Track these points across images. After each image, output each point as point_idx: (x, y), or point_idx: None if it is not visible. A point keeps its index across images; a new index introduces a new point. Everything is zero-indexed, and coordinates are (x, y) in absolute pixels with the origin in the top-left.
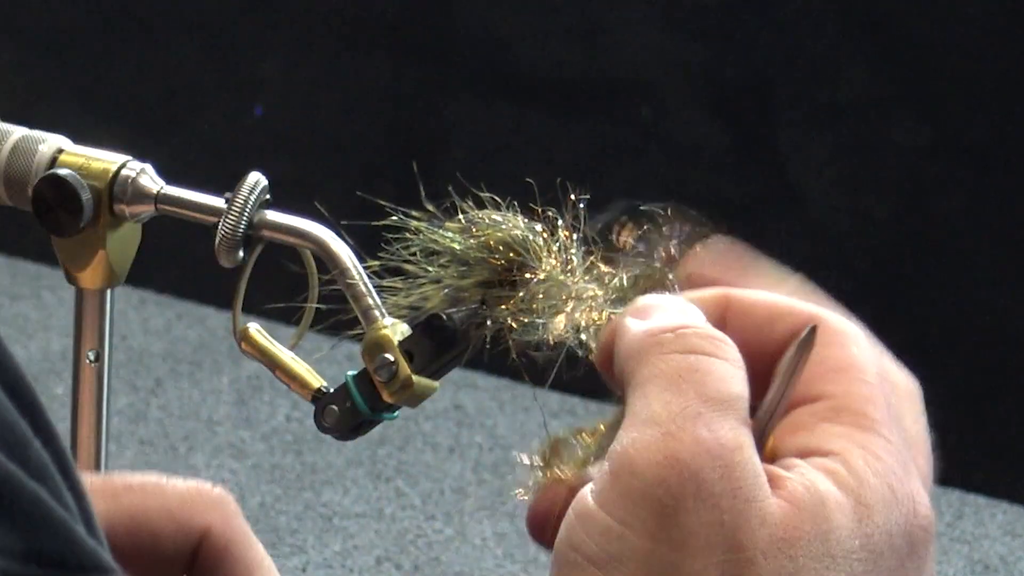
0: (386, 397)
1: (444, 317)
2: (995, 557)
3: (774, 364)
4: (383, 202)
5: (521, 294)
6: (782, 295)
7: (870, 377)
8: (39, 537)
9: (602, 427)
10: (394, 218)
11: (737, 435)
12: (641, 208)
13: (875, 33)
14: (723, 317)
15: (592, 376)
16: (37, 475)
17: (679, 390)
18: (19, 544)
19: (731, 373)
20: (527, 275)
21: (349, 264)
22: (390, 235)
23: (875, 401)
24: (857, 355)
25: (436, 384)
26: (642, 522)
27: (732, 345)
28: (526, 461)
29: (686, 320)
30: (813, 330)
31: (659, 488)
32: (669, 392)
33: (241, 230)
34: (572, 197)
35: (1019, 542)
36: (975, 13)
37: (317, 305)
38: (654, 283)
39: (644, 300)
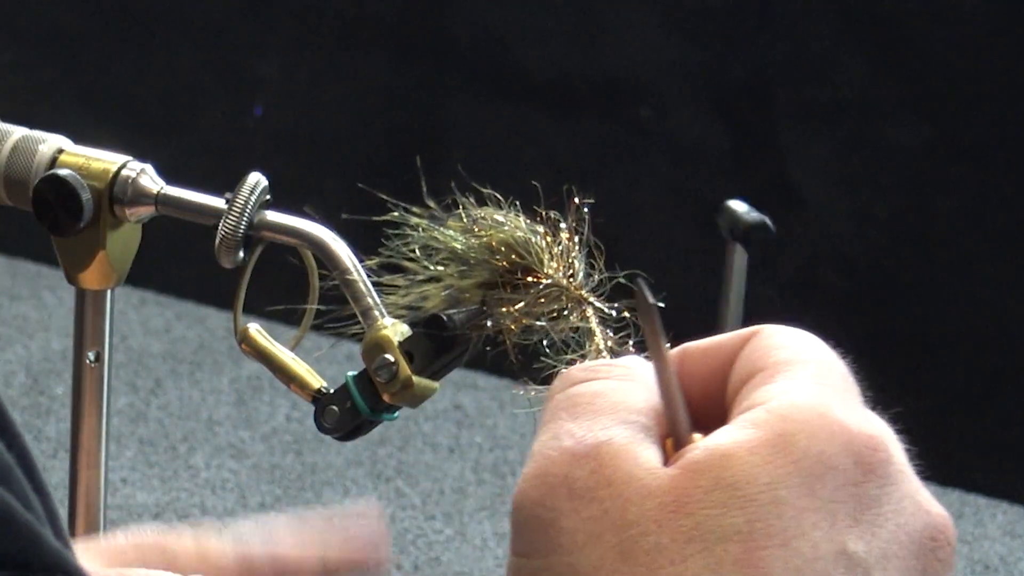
0: (386, 398)
1: (444, 318)
2: (995, 557)
3: (722, 398)
4: (384, 196)
5: (523, 298)
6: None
7: (782, 339)
8: (3, 540)
9: None
10: (395, 214)
11: (607, 432)
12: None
13: (875, 33)
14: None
15: None
16: (1, 478)
17: (553, 422)
18: None
19: (610, 387)
20: (529, 278)
21: (349, 264)
22: (391, 231)
23: (787, 347)
24: (770, 338)
25: (436, 384)
26: (533, 545)
27: (624, 365)
28: None
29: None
30: (637, 284)
31: (537, 507)
32: (545, 429)
33: (241, 230)
34: (576, 201)
35: (1019, 542)
36: (975, 13)
37: (317, 306)
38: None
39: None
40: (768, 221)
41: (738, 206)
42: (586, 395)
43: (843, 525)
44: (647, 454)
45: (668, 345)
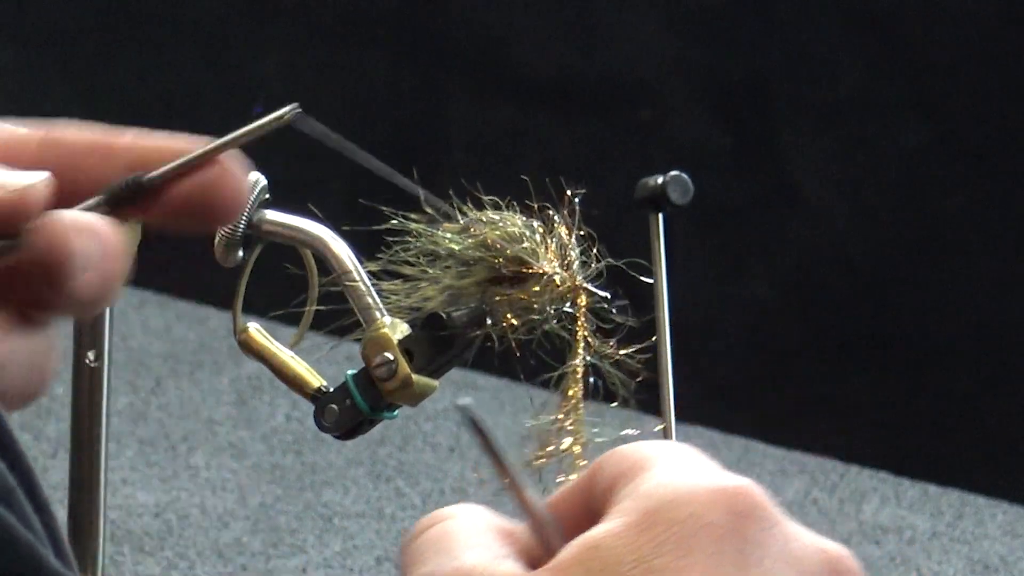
0: (386, 396)
1: (444, 316)
2: (995, 557)
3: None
4: (383, 208)
5: (521, 292)
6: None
7: (630, 450)
8: (5, 560)
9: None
10: (394, 222)
11: (459, 560)
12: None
13: (875, 33)
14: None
15: (591, 376)
16: (3, 499)
17: (409, 570)
18: None
19: (455, 524)
20: (526, 271)
21: (349, 263)
22: (390, 237)
23: (638, 452)
24: (618, 453)
25: (436, 383)
26: None
27: (466, 505)
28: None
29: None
30: (465, 411)
31: None
32: None
33: (241, 230)
34: (568, 193)
35: (1019, 542)
36: (975, 13)
37: (318, 307)
38: None
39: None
40: (677, 181)
41: (651, 180)
42: (433, 537)
43: (730, 573)
44: (506, 566)
45: (515, 463)
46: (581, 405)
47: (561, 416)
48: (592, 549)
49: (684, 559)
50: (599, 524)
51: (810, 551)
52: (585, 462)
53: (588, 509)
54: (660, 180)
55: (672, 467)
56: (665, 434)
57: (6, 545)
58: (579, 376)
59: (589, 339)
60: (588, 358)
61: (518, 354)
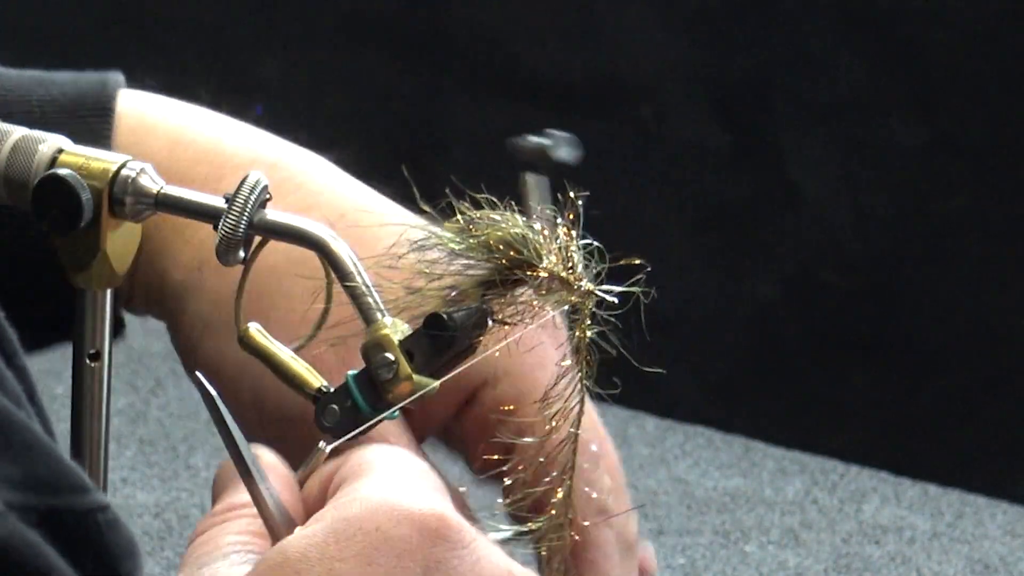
0: (387, 396)
1: (445, 317)
2: (995, 557)
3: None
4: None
5: (523, 293)
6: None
7: (365, 453)
8: (32, 464)
9: None
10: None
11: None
12: None
13: (875, 33)
14: None
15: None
16: (15, 403)
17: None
18: (16, 473)
19: (210, 534)
20: (528, 272)
21: (349, 263)
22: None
23: (366, 458)
24: (355, 454)
25: (436, 383)
26: None
27: (227, 503)
28: None
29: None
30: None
31: None
32: None
33: (241, 230)
34: (571, 195)
35: (1019, 542)
36: (975, 13)
37: (324, 306)
38: None
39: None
40: (553, 145)
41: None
42: (193, 546)
43: None
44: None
45: (241, 435)
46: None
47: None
48: (280, 552)
49: (366, 568)
50: (301, 528)
51: (498, 571)
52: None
53: (326, 499)
54: (541, 140)
55: (384, 480)
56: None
57: (30, 449)
58: (582, 375)
59: (588, 342)
60: (589, 359)
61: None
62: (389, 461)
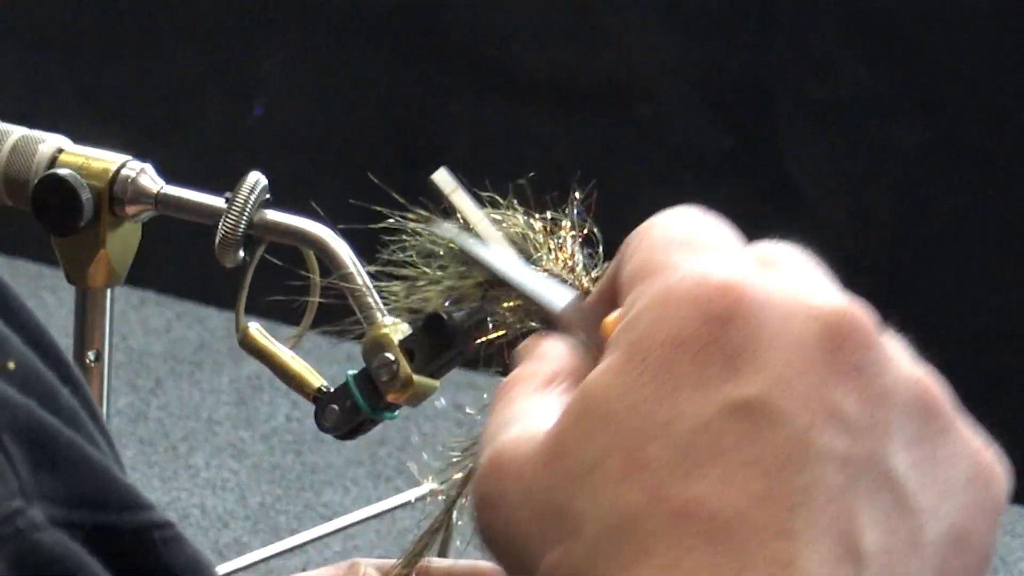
0: (387, 396)
1: (444, 316)
2: (995, 557)
3: None
4: (379, 208)
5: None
6: None
7: (634, 249)
8: (80, 481)
9: None
10: (391, 221)
11: (490, 447)
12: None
13: (875, 33)
14: None
15: None
16: (69, 422)
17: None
18: (63, 490)
19: (516, 389)
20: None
21: (349, 263)
22: (389, 237)
23: (638, 253)
24: (625, 251)
25: (436, 383)
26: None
27: (535, 349)
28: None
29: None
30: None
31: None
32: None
33: (241, 230)
34: (577, 195)
35: (1019, 542)
36: (975, 13)
37: (320, 300)
38: None
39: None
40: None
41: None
42: (496, 398)
43: (718, 383)
44: (530, 424)
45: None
46: None
47: None
48: (582, 392)
49: (666, 385)
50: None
51: (809, 320)
52: None
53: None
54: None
55: (670, 274)
56: None
57: (79, 466)
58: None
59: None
60: None
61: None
62: (677, 243)
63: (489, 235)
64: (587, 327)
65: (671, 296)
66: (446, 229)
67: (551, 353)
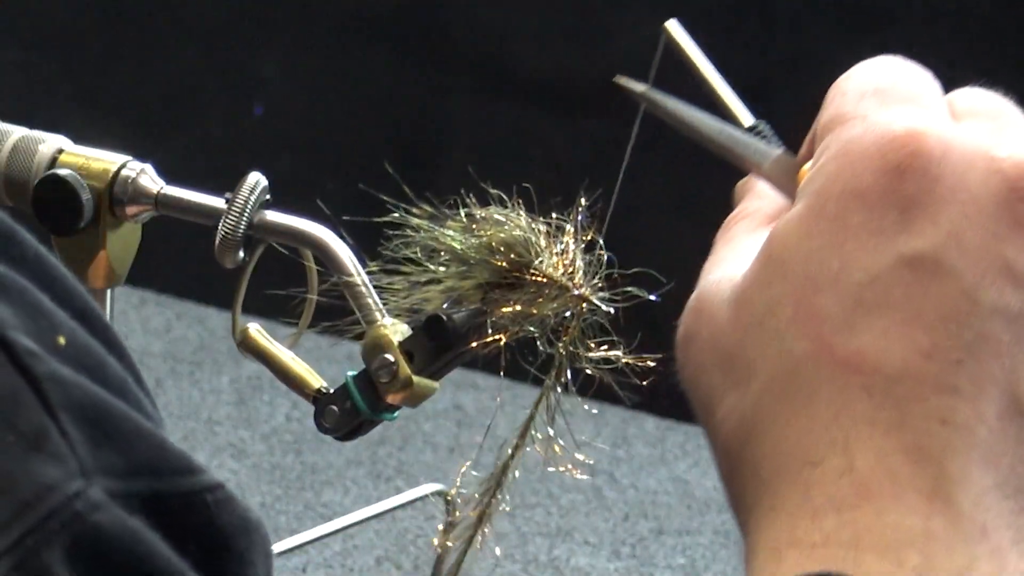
0: (386, 397)
1: (444, 318)
2: None
3: None
4: (385, 197)
5: (523, 297)
6: None
7: (831, 94)
8: (135, 451)
9: None
10: (395, 215)
11: (698, 293)
12: None
13: (875, 33)
14: None
15: (590, 377)
16: (119, 392)
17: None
18: (119, 462)
19: (732, 235)
20: (528, 276)
21: (349, 264)
22: (391, 232)
23: (834, 100)
24: (827, 99)
25: (436, 384)
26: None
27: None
28: None
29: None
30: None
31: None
32: None
33: (241, 230)
34: (584, 201)
35: None
36: (975, 13)
37: (320, 299)
38: None
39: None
40: None
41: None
42: (720, 233)
43: (891, 234)
44: (732, 268)
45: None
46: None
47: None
48: (768, 242)
49: (838, 234)
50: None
51: (988, 177)
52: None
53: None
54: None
55: (856, 124)
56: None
57: (132, 436)
58: (557, 379)
59: (576, 346)
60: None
61: (508, 353)
62: (866, 90)
63: (721, 90)
64: (786, 179)
65: (853, 147)
66: (639, 86)
67: (770, 193)
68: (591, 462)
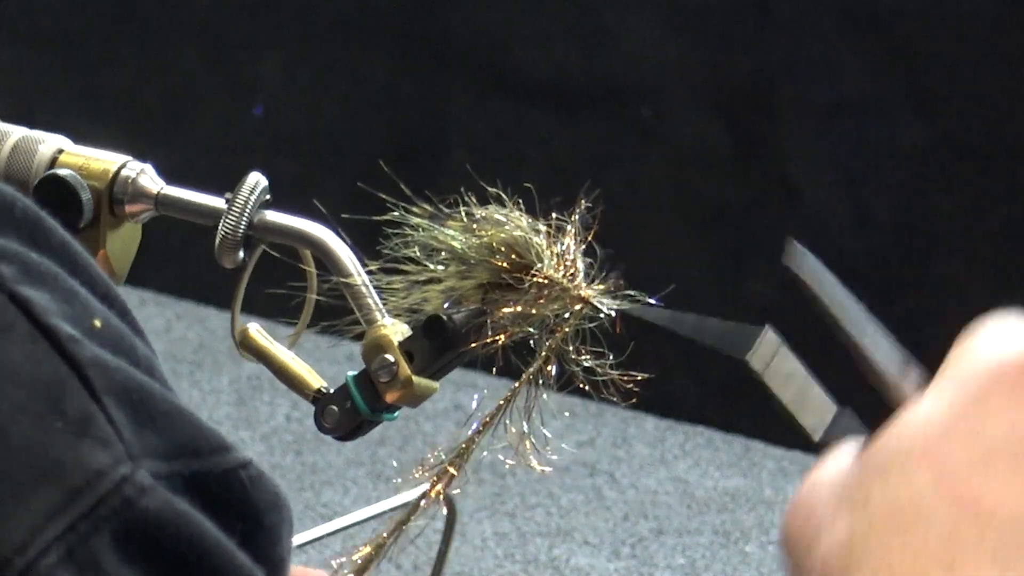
0: (386, 398)
1: (444, 318)
2: None
3: None
4: (385, 196)
5: (522, 297)
6: None
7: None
8: (176, 432)
9: None
10: (395, 213)
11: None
12: None
13: (875, 33)
14: None
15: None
16: (149, 372)
17: None
18: (162, 444)
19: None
20: (529, 277)
21: (349, 264)
22: (390, 231)
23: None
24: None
25: (436, 384)
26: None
27: None
28: None
29: None
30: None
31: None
32: None
33: (241, 230)
34: (584, 203)
35: None
36: (975, 13)
37: (317, 296)
38: None
39: None
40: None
41: None
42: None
43: None
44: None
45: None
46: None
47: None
48: (892, 432)
49: (984, 410)
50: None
51: None
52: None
53: None
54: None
55: (983, 338)
56: None
57: (171, 418)
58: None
59: (567, 346)
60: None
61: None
62: (989, 326)
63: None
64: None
65: (994, 346)
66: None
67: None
68: (555, 457)
